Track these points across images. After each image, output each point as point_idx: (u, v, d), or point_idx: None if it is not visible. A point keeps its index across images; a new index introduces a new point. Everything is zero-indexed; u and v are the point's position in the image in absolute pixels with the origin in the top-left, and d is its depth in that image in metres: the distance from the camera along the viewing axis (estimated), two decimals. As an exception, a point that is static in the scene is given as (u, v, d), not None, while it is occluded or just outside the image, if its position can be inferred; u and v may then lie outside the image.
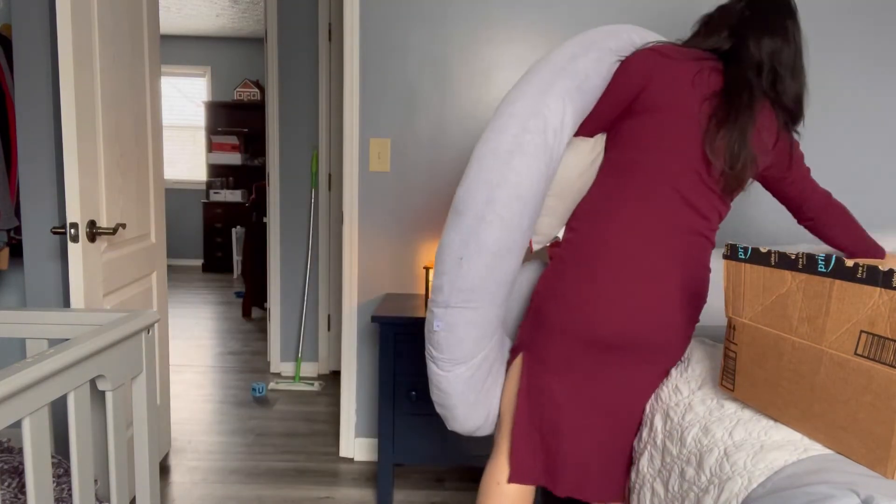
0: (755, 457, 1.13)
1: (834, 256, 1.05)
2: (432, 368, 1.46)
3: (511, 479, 1.43)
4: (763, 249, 1.20)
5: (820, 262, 1.07)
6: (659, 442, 1.44)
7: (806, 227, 1.55)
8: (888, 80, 2.38)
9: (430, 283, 2.24)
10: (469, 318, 1.37)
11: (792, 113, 1.43)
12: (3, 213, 2.38)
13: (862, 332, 1.01)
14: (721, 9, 1.47)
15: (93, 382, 1.88)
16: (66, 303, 2.33)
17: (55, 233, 1.87)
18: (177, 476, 2.39)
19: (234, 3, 5.85)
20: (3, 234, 2.44)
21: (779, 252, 1.17)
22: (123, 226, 1.96)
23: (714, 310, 1.98)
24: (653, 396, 1.55)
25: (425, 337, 1.46)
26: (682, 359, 1.58)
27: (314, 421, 2.96)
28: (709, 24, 1.46)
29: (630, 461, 1.50)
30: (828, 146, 2.41)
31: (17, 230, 2.49)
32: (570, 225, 1.45)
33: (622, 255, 1.34)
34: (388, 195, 2.46)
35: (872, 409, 1.00)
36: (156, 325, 2.04)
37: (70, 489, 1.39)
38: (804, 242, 2.46)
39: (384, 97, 2.42)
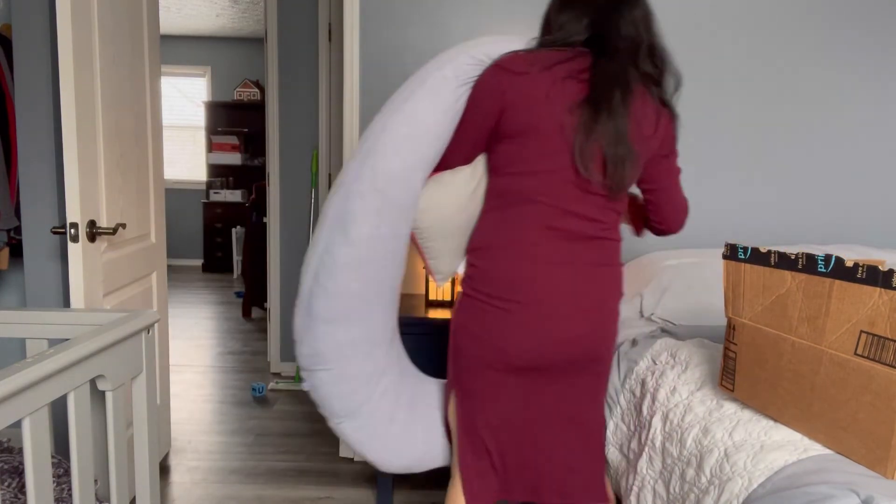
0: (755, 457, 1.13)
1: (834, 257, 1.05)
2: (328, 423, 1.49)
3: None
4: (763, 249, 1.20)
5: (820, 262, 1.07)
6: (658, 444, 1.44)
7: (655, 230, 1.51)
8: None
9: (430, 283, 2.25)
10: (327, 379, 1.39)
11: (660, 80, 1.34)
12: (3, 213, 2.38)
13: (862, 332, 1.01)
14: None
15: (93, 382, 1.88)
16: (66, 303, 2.33)
17: (55, 233, 1.86)
18: (177, 476, 2.39)
19: (234, 3, 5.85)
20: (3, 234, 2.44)
21: (779, 252, 1.17)
22: (123, 226, 1.96)
23: (714, 309, 1.98)
24: (649, 398, 1.55)
25: None
26: (680, 360, 1.57)
27: (314, 421, 2.96)
28: (568, 12, 1.32)
29: (602, 461, 1.50)
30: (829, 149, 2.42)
31: (18, 230, 2.49)
32: (467, 259, 1.43)
33: (514, 282, 1.30)
34: (388, 195, 2.46)
35: (872, 409, 1.00)
36: (156, 325, 2.04)
37: (70, 489, 1.39)
38: (804, 242, 2.46)
39: (384, 97, 2.42)
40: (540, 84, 1.26)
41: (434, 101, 1.31)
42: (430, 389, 1.57)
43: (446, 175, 1.41)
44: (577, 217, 1.31)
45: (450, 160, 1.39)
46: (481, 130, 1.34)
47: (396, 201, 1.32)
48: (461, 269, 1.51)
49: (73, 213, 1.76)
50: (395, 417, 1.48)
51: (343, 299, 1.33)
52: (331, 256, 1.32)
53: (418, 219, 1.45)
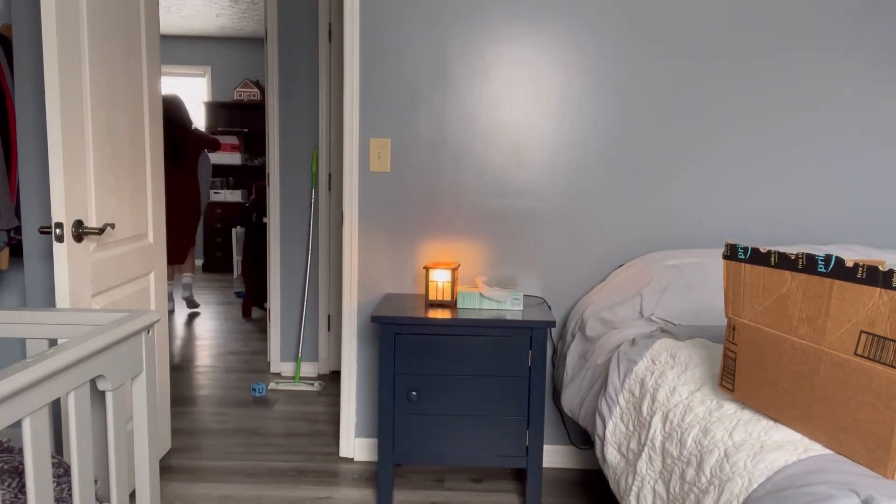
0: (755, 457, 1.13)
1: (834, 257, 1.05)
2: None
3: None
4: (763, 249, 1.20)
5: (820, 262, 1.07)
6: (658, 444, 1.44)
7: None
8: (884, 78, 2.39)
9: (430, 283, 2.25)
10: None
11: (185, 138, 4.52)
12: (3, 214, 2.38)
13: (862, 332, 1.01)
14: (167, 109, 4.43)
15: (93, 382, 1.88)
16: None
17: (42, 232, 1.85)
18: (177, 476, 2.39)
19: (234, 3, 5.85)
20: (4, 234, 2.44)
21: (778, 252, 1.17)
22: (112, 226, 1.94)
23: (714, 310, 1.98)
24: (649, 398, 1.55)
25: None
26: (680, 360, 1.57)
27: (314, 421, 2.96)
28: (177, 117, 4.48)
29: (192, 240, 4.85)
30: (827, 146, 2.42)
31: (18, 230, 2.49)
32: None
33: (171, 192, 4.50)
34: (388, 195, 2.46)
35: (872, 409, 1.00)
36: (155, 325, 2.03)
37: (70, 489, 1.39)
38: (804, 242, 2.46)
39: (384, 97, 2.42)
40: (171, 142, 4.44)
41: None
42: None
43: None
44: (174, 170, 4.46)
45: None
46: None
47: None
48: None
49: (58, 213, 1.75)
50: None
51: None
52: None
53: None
